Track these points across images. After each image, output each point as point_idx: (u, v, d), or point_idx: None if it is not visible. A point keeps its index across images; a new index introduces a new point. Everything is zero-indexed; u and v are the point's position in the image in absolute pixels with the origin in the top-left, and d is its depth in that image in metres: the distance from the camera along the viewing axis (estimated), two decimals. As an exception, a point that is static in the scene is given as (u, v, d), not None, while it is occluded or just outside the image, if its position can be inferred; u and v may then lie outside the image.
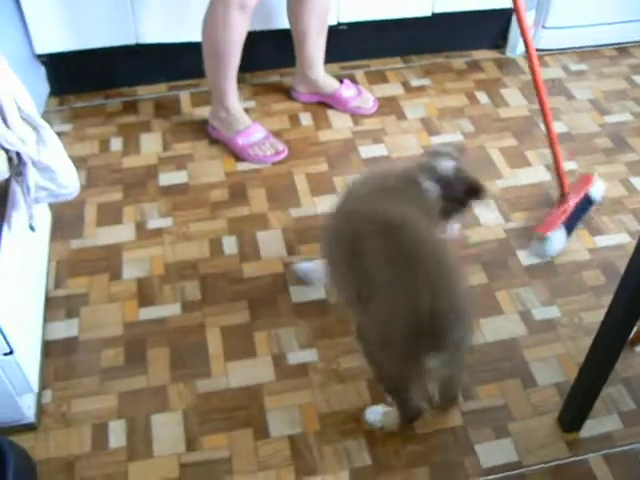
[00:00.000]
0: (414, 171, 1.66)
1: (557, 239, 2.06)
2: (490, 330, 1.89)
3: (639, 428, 1.69)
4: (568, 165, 2.37)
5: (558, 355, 1.83)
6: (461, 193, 1.66)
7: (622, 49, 2.99)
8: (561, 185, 2.16)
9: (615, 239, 2.14)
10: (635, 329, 1.81)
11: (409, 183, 1.63)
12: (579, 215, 2.16)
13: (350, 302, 1.61)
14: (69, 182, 1.58)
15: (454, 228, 1.77)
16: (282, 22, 2.49)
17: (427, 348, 1.42)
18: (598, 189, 2.23)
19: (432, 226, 1.59)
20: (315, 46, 2.48)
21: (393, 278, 1.44)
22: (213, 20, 2.14)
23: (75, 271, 2.00)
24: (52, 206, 2.09)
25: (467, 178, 1.67)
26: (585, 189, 2.19)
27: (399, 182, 1.63)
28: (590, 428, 1.68)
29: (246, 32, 2.18)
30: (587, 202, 2.20)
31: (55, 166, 1.50)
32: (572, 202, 2.14)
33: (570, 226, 2.11)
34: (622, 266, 1.36)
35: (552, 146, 2.09)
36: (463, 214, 1.73)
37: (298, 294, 1.96)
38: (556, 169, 2.14)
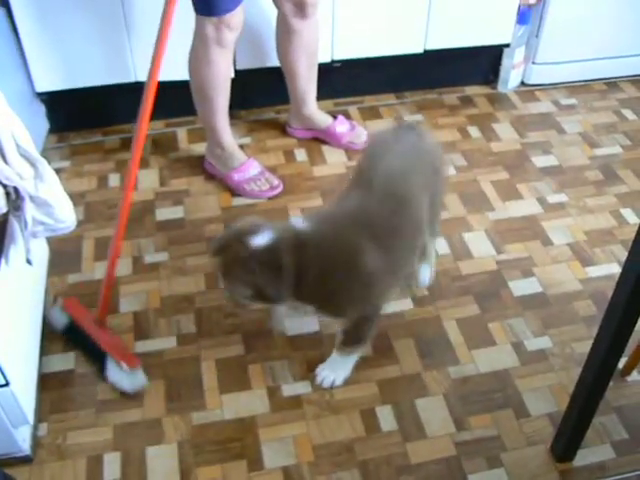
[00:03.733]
0: None
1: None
2: (483, 361, 1.90)
3: (632, 457, 1.70)
4: (558, 198, 2.41)
5: (550, 385, 1.85)
6: None
7: (612, 83, 3.05)
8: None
9: (606, 269, 2.17)
10: (626, 359, 1.83)
11: None
12: None
13: None
14: (66, 217, 1.60)
15: None
16: (276, 60, 2.54)
17: None
18: None
19: None
20: (306, 82, 2.53)
21: None
22: (195, 58, 2.21)
23: (72, 305, 2.03)
24: (50, 241, 2.11)
25: None
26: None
27: None
28: (583, 458, 1.68)
29: (229, 68, 2.23)
30: None
31: (52, 201, 1.53)
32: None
33: None
34: (612, 296, 1.39)
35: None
36: None
37: (292, 326, 1.98)
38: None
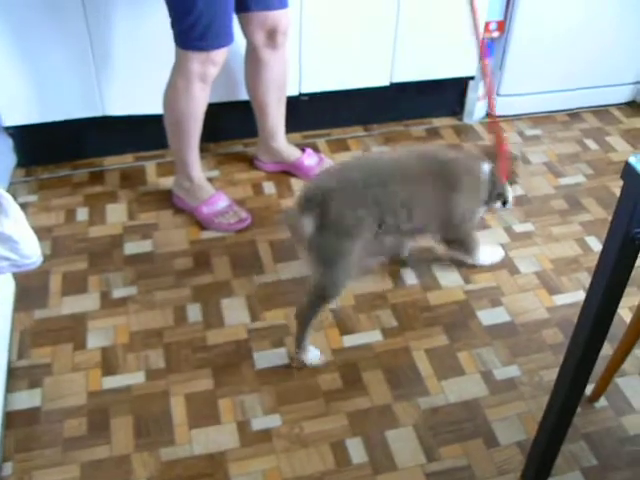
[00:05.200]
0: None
1: None
2: (452, 391, 1.91)
3: (601, 485, 1.71)
4: (524, 227, 2.45)
5: (520, 414, 1.86)
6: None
7: (574, 114, 3.11)
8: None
9: (572, 297, 2.19)
10: (593, 385, 1.85)
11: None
12: None
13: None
14: (31, 252, 1.59)
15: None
16: (244, 93, 2.55)
17: None
18: None
19: None
20: (276, 116, 2.55)
21: None
22: (174, 92, 2.20)
23: (39, 341, 2.00)
24: (16, 276, 2.09)
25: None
26: None
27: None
28: (553, 486, 1.69)
29: (207, 102, 2.24)
30: None
31: (17, 237, 1.52)
32: None
33: None
34: (578, 324, 1.40)
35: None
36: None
37: (262, 360, 1.97)
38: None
